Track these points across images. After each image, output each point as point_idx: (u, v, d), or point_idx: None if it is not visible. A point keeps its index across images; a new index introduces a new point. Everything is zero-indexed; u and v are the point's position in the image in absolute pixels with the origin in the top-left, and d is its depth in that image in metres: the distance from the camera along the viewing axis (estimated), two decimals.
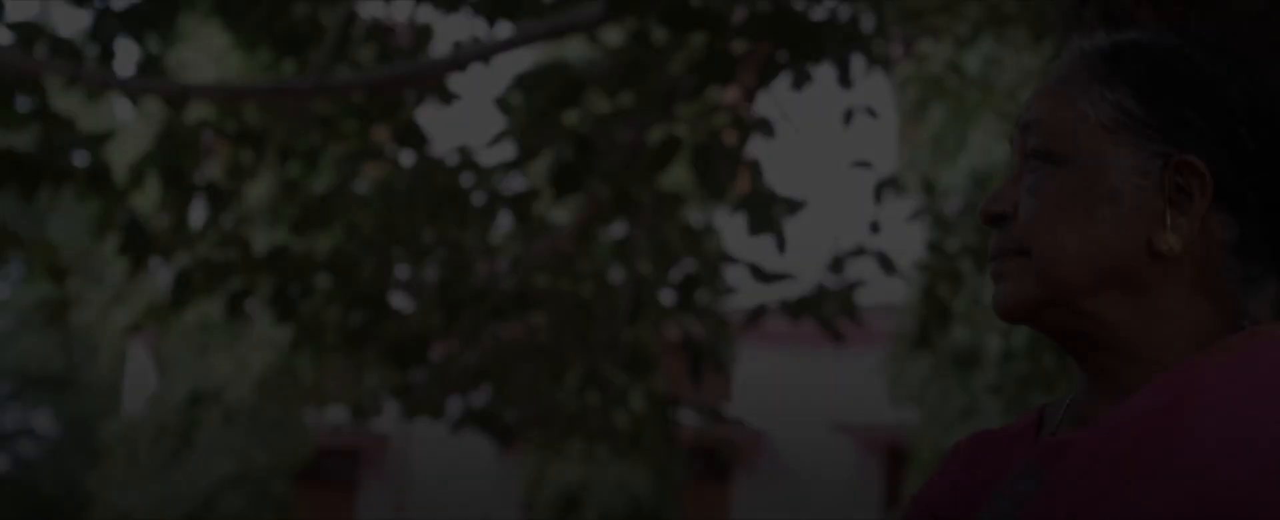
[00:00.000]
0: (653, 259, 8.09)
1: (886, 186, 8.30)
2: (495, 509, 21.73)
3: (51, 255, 7.91)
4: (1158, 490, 1.31)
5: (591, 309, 8.45)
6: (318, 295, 8.13)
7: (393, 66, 7.38)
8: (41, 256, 7.90)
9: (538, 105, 6.98)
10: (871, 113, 7.69)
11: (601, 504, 19.61)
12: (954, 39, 9.03)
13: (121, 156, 14.18)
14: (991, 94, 11.87)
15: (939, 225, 8.95)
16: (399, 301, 8.61)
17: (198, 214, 7.78)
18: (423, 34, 7.54)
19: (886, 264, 8.00)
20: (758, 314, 7.91)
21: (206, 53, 19.25)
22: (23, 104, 6.89)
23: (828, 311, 8.15)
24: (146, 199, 9.18)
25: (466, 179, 7.74)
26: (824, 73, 6.93)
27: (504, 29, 7.26)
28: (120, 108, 22.61)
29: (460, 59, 7.20)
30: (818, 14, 6.80)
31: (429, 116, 8.59)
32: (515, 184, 8.13)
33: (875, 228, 8.20)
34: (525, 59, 11.92)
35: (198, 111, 8.85)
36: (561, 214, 9.93)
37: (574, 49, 15.94)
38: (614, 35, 8.24)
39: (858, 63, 7.19)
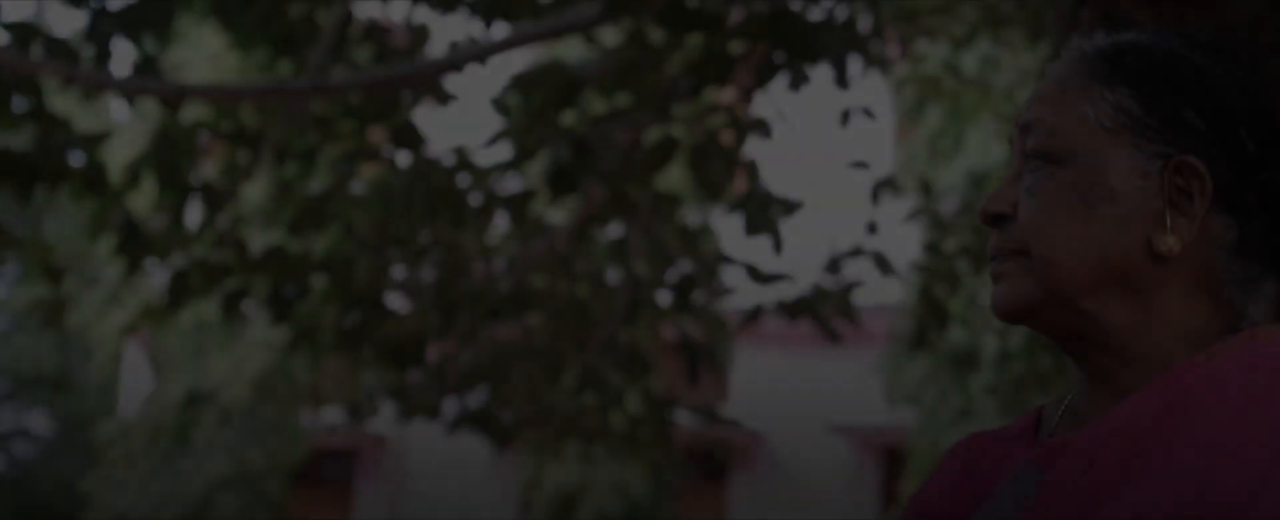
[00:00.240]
0: (650, 260, 8.09)
1: (883, 187, 8.30)
2: (492, 510, 21.73)
3: (47, 255, 7.91)
4: (1156, 491, 1.30)
5: (588, 310, 8.45)
6: (314, 296, 8.13)
7: (389, 67, 7.38)
8: (37, 257, 7.90)
9: (534, 106, 6.98)
10: (868, 113, 7.69)
11: (598, 505, 19.61)
12: (951, 40, 9.03)
13: (117, 157, 14.16)
14: (988, 95, 11.88)
15: (936, 226, 8.95)
16: (395, 302, 8.61)
17: (194, 214, 7.78)
18: (419, 34, 7.53)
19: (883, 265, 8.00)
20: (755, 315, 7.91)
21: (203, 53, 19.25)
22: (18, 104, 6.88)
23: (825, 312, 8.15)
24: (142, 199, 9.17)
25: (463, 179, 7.74)
26: (821, 73, 6.93)
27: (501, 29, 7.25)
28: (116, 108, 22.59)
29: (457, 59, 7.20)
30: (815, 15, 6.80)
31: (425, 117, 8.58)
32: (512, 184, 8.13)
33: (872, 228, 8.20)
34: (522, 59, 11.92)
35: (194, 112, 8.84)
36: (558, 214, 9.93)
37: (571, 49, 15.94)
38: (611, 36, 8.23)
39: (855, 63, 7.19)
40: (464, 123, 11.09)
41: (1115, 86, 1.44)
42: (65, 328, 21.70)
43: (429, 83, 7.47)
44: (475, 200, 7.78)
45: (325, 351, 8.62)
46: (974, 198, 11.47)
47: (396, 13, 7.97)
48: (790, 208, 7.46)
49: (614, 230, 8.35)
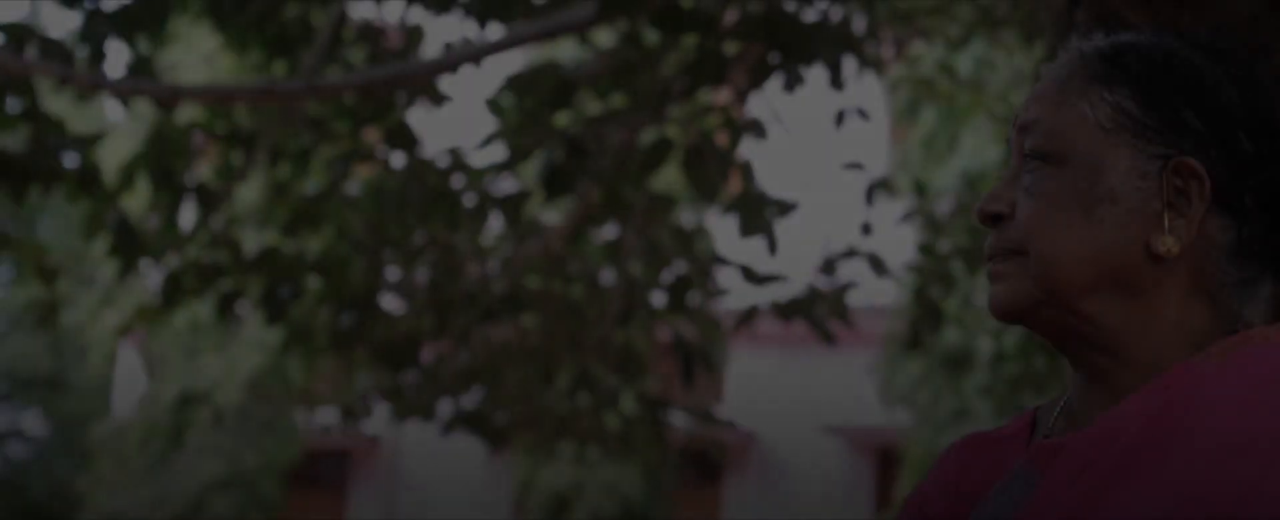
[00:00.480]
0: (644, 261, 8.09)
1: (878, 188, 8.30)
2: (486, 511, 21.72)
3: (41, 256, 7.90)
4: (1152, 492, 1.30)
5: (582, 311, 8.44)
6: (308, 297, 8.12)
7: (383, 68, 7.37)
8: (31, 258, 7.89)
9: (529, 107, 6.98)
10: (863, 114, 7.69)
11: (592, 506, 19.61)
12: (946, 41, 9.03)
13: (112, 158, 14.17)
14: (983, 96, 11.88)
15: (930, 227, 8.95)
16: (390, 303, 8.60)
17: (188, 215, 7.77)
18: (413, 35, 7.53)
19: (878, 266, 8.00)
20: (749, 316, 7.91)
21: (197, 54, 19.24)
22: (13, 105, 6.88)
23: (819, 313, 8.14)
24: (137, 200, 9.16)
25: (457, 180, 7.74)
26: (816, 74, 6.93)
27: (495, 30, 7.25)
28: (110, 109, 22.59)
29: (451, 60, 7.20)
30: (809, 16, 6.80)
31: (420, 118, 8.58)
32: (506, 185, 8.12)
33: (867, 229, 8.20)
34: (516, 60, 11.92)
35: (188, 113, 8.84)
36: (552, 215, 9.93)
37: (565, 50, 15.94)
38: (605, 37, 8.23)
39: (849, 64, 7.19)
40: (458, 124, 11.09)
41: (1114, 87, 1.44)
42: (59, 328, 21.67)
43: (423, 84, 7.46)
44: (470, 201, 7.78)
45: (319, 352, 8.61)
46: (969, 199, 11.47)
47: (391, 13, 7.97)
48: (785, 209, 7.45)
49: (608, 231, 8.35)
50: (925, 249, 8.69)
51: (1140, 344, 1.43)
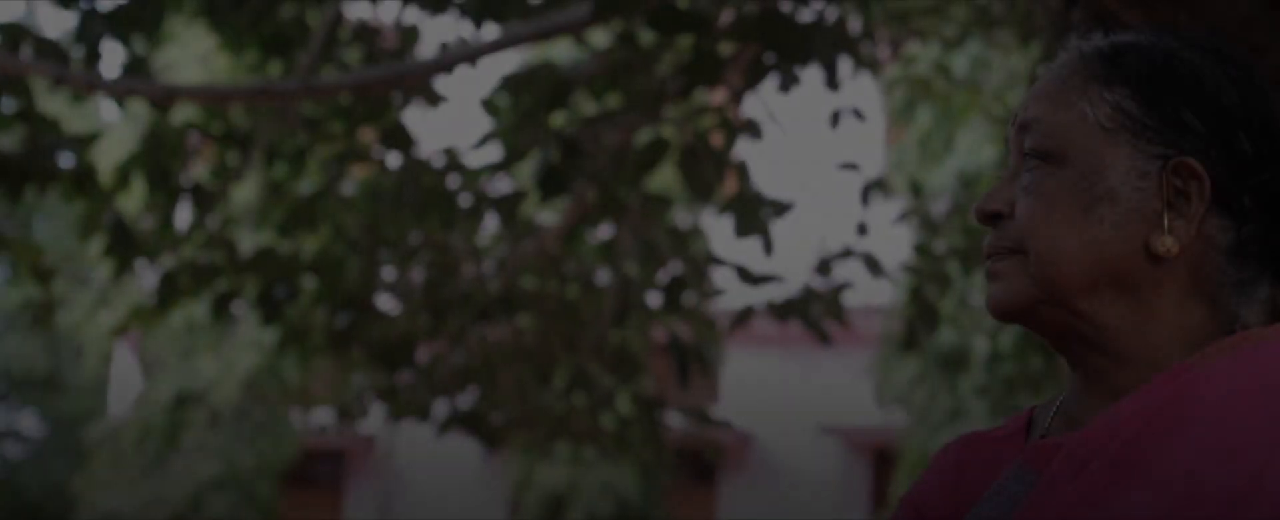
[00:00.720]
0: (640, 261, 8.08)
1: (873, 188, 8.30)
2: (481, 511, 21.71)
3: (37, 256, 7.89)
4: (1148, 493, 1.31)
5: (578, 311, 8.44)
6: (304, 297, 8.12)
7: (379, 68, 7.37)
8: (27, 258, 7.88)
9: (524, 107, 6.97)
10: (859, 115, 7.69)
11: (588, 506, 19.60)
12: (941, 41, 9.03)
13: (107, 158, 14.15)
14: (979, 96, 11.88)
15: (926, 227, 8.95)
16: (385, 303, 8.60)
17: (183, 215, 7.77)
18: (409, 35, 7.53)
19: (873, 266, 7.99)
20: (745, 316, 7.90)
21: (192, 54, 19.23)
22: (8, 105, 6.87)
23: (815, 313, 8.14)
24: (132, 200, 9.15)
25: (453, 180, 7.73)
26: (811, 75, 6.93)
27: (491, 30, 7.25)
28: (106, 109, 22.59)
29: (447, 60, 7.19)
30: (805, 16, 6.79)
31: (415, 118, 8.57)
32: (502, 186, 8.12)
33: (862, 230, 8.19)
34: (512, 60, 11.91)
35: (184, 113, 8.83)
36: (548, 216, 9.92)
37: (561, 51, 15.94)
38: (601, 37, 8.23)
39: (845, 65, 7.19)
40: (454, 124, 11.08)
41: (1114, 87, 1.44)
42: (55, 329, 21.66)
43: (419, 84, 7.46)
44: (465, 201, 7.77)
45: (315, 352, 8.60)
46: (964, 199, 11.47)
47: (386, 14, 7.96)
48: (780, 209, 7.45)
49: (604, 231, 8.35)
50: (921, 249, 8.69)
51: (1138, 344, 1.43)
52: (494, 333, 8.74)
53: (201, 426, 19.63)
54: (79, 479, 20.56)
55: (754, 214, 7.38)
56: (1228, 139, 1.42)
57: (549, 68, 6.94)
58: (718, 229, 11.44)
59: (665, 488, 20.29)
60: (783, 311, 8.12)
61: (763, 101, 7.24)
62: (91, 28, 6.78)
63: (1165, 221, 1.41)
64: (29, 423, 25.92)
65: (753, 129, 7.20)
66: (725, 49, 6.72)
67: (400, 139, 7.58)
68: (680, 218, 11.26)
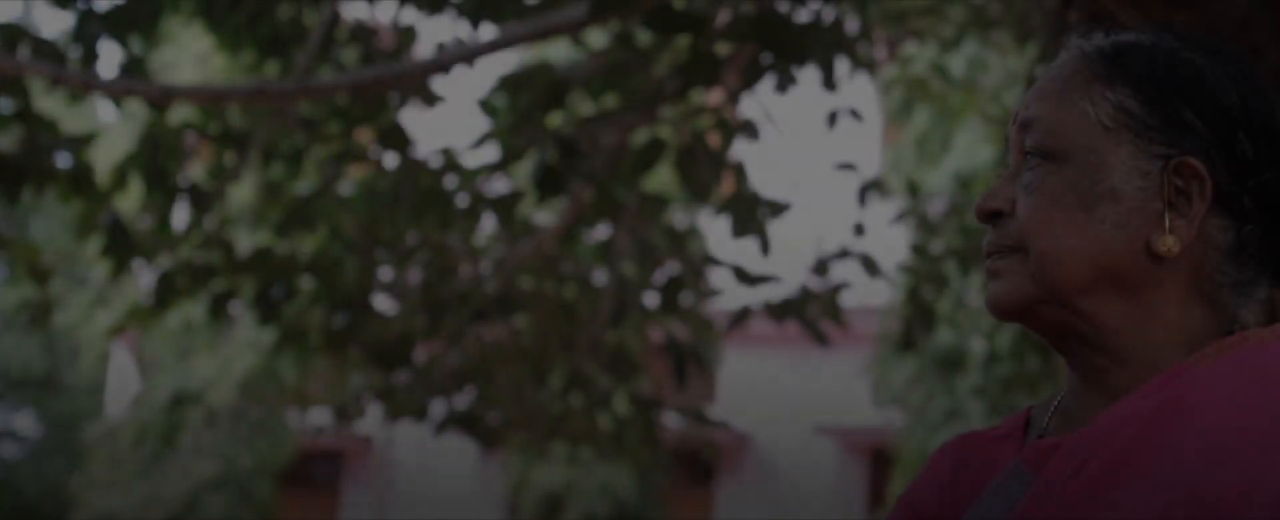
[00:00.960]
0: (637, 261, 8.08)
1: (870, 189, 8.31)
2: (478, 511, 21.71)
3: (34, 257, 7.89)
4: (1146, 493, 1.31)
5: (575, 311, 8.44)
6: (301, 297, 8.12)
7: (376, 68, 7.37)
8: (24, 258, 7.88)
9: (521, 107, 6.97)
10: (856, 115, 7.69)
11: (585, 506, 19.60)
12: (938, 41, 9.03)
13: (104, 158, 14.15)
14: (976, 96, 11.89)
15: (923, 227, 8.96)
16: (382, 303, 8.59)
17: (181, 216, 7.76)
18: (406, 36, 7.52)
19: (870, 266, 8.00)
20: (742, 316, 7.90)
21: (190, 54, 19.23)
22: (5, 105, 6.87)
23: (812, 314, 8.14)
24: (129, 201, 9.15)
25: (450, 181, 7.73)
26: (808, 75, 6.93)
27: (488, 31, 7.25)
28: (103, 109, 22.57)
29: (444, 61, 7.19)
30: (802, 16, 6.80)
31: (412, 118, 8.58)
32: (499, 186, 8.11)
33: (859, 230, 8.20)
34: (509, 61, 11.91)
35: (181, 113, 8.83)
36: (545, 216, 9.92)
37: (558, 51, 15.94)
38: (598, 37, 8.23)
39: (842, 65, 7.19)
40: (451, 124, 11.09)
41: (1116, 86, 1.44)
42: (52, 329, 21.65)
43: (416, 84, 7.46)
44: (462, 201, 7.77)
45: (312, 352, 8.60)
46: (961, 199, 11.47)
47: (383, 14, 7.96)
48: (777, 209, 7.46)
49: (601, 231, 8.35)
50: (918, 249, 8.70)
51: (1138, 343, 1.43)
52: (491, 333, 8.74)
53: (199, 426, 19.62)
54: (76, 479, 20.56)
55: (751, 214, 7.38)
56: (1228, 139, 1.42)
57: (546, 68, 6.94)
58: (715, 229, 11.44)
59: (662, 488, 20.29)
60: (780, 312, 8.12)
61: (760, 102, 7.25)
62: (89, 28, 6.78)
63: (1166, 221, 1.41)
64: (26, 423, 25.91)
65: (750, 129, 7.20)
66: (722, 49, 6.72)
67: (397, 139, 7.58)
68: (677, 218, 11.26)
